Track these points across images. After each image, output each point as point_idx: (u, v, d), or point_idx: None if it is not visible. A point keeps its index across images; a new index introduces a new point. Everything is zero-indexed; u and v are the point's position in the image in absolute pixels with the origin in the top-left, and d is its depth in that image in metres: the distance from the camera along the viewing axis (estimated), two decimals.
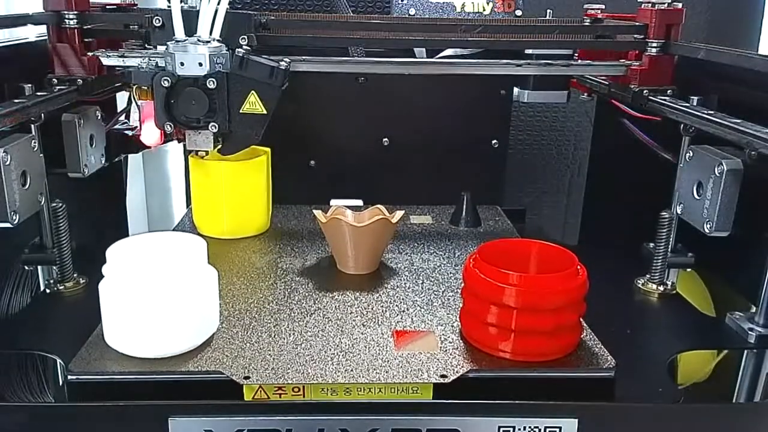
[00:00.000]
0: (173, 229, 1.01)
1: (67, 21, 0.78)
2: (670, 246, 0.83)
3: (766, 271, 0.69)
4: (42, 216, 0.77)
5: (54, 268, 0.81)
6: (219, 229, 0.96)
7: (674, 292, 0.84)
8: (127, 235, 1.15)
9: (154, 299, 0.62)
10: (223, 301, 0.75)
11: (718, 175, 0.69)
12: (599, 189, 1.16)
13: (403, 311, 0.74)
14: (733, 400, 0.68)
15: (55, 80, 0.78)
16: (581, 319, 0.67)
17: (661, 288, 0.84)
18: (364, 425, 0.60)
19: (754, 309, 0.74)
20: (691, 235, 0.76)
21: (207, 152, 0.76)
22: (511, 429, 0.60)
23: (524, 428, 0.60)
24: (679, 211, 0.78)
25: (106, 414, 0.60)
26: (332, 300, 0.77)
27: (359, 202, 1.11)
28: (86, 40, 0.81)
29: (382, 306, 0.76)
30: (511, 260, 0.67)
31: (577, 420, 0.60)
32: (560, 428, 0.60)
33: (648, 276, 0.85)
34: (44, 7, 0.79)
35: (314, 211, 0.85)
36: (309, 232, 0.98)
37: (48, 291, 0.81)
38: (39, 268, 0.83)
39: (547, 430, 0.60)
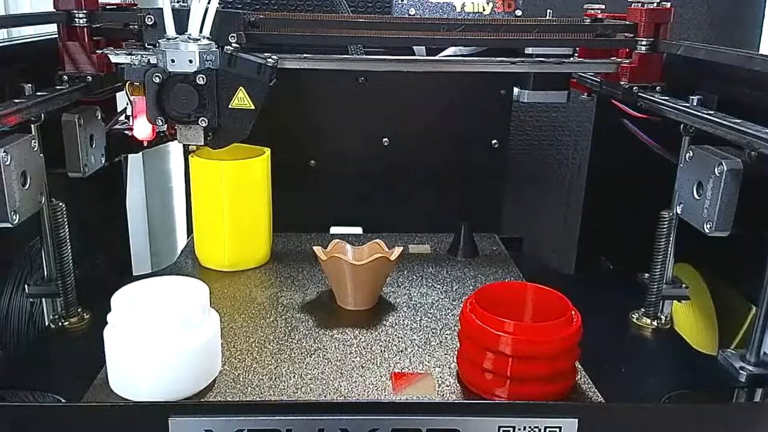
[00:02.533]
0: (176, 260, 1.03)
1: (77, 20, 0.80)
2: (667, 271, 0.83)
3: (759, 319, 0.68)
4: (42, 216, 0.77)
5: (59, 301, 0.81)
6: (221, 260, 0.96)
7: (668, 326, 0.85)
8: (127, 236, 1.16)
9: (158, 347, 0.63)
10: (225, 340, 0.76)
11: (718, 175, 0.69)
12: (599, 189, 1.16)
13: (401, 351, 0.75)
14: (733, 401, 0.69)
15: (65, 77, 0.79)
16: (576, 362, 0.68)
17: (655, 323, 0.84)
18: (364, 425, 0.60)
19: (753, 311, 0.74)
20: (692, 234, 0.75)
21: (198, 146, 0.78)
22: (511, 429, 0.60)
23: (524, 428, 0.60)
24: (679, 211, 0.78)
25: (107, 414, 0.60)
26: (332, 339, 0.78)
27: (358, 230, 1.12)
28: (94, 38, 0.82)
29: (380, 346, 0.76)
30: (507, 304, 0.69)
31: (577, 420, 0.60)
32: (560, 428, 0.60)
33: (643, 310, 0.86)
34: (54, 6, 0.80)
35: (314, 248, 0.86)
36: (309, 263, 0.98)
37: (53, 326, 0.82)
38: (44, 301, 0.84)
39: (547, 430, 0.60)
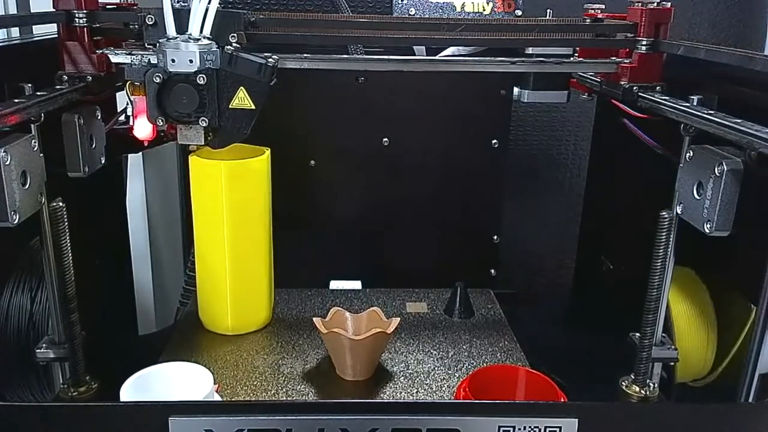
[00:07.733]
0: (180, 322, 1.04)
1: (77, 20, 0.80)
2: (657, 333, 0.83)
3: (747, 371, 0.67)
4: (42, 216, 0.77)
5: (66, 365, 0.81)
6: (224, 324, 0.97)
7: (656, 393, 0.85)
8: (126, 236, 1.16)
9: None
10: None
11: (718, 175, 0.69)
12: (599, 189, 1.16)
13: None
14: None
15: (65, 77, 0.79)
16: None
17: (644, 391, 0.84)
18: (364, 425, 0.60)
19: (753, 313, 0.74)
20: (691, 236, 0.75)
21: (198, 146, 0.78)
22: (511, 429, 0.60)
23: (524, 428, 0.60)
24: (679, 211, 0.78)
25: (107, 414, 0.60)
26: None
27: (357, 285, 1.14)
28: (95, 38, 0.82)
29: None
30: (499, 388, 0.72)
31: (577, 420, 0.60)
32: (560, 428, 0.60)
33: (632, 377, 0.85)
34: (54, 6, 0.80)
35: (314, 320, 0.88)
36: (309, 326, 0.97)
37: (61, 396, 0.81)
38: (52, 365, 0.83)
39: (547, 430, 0.60)
